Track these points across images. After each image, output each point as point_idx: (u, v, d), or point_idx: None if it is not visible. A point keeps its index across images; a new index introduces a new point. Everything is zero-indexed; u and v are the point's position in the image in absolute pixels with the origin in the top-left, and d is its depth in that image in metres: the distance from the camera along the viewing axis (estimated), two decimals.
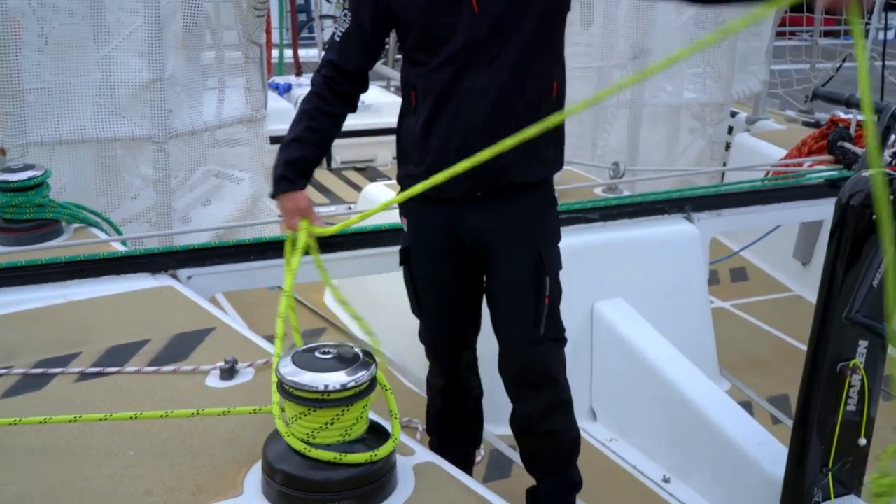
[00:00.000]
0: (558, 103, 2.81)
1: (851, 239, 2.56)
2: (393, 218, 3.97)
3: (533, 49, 2.69)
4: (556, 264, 2.88)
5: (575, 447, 3.09)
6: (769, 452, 3.15)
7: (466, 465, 3.26)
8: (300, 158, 2.83)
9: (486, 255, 2.85)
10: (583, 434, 3.20)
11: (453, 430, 3.26)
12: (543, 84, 2.75)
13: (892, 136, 4.73)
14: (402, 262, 3.00)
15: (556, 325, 2.90)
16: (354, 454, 1.92)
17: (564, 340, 2.95)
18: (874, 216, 2.53)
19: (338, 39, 2.80)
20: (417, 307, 3.02)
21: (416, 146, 2.79)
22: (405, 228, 2.97)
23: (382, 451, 1.94)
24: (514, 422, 3.07)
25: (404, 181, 2.87)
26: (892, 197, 2.48)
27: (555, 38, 2.76)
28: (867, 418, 2.76)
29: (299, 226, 2.83)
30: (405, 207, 2.94)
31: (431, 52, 2.68)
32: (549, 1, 2.69)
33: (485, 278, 2.94)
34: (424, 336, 3.11)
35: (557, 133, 2.84)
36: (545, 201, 2.91)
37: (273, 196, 2.88)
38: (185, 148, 4.73)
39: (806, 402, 2.76)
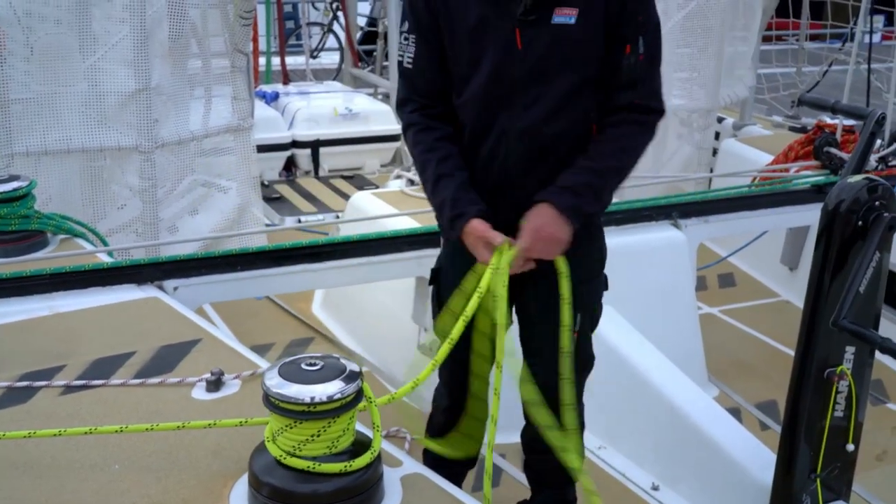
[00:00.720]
0: (588, 132, 2.69)
1: (838, 245, 2.56)
2: (380, 227, 3.99)
3: (573, 92, 2.57)
4: (593, 298, 2.83)
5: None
6: (758, 459, 3.15)
7: (459, 479, 3.25)
8: (457, 189, 2.56)
9: (521, 284, 2.72)
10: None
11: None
12: (583, 127, 2.62)
13: (878, 142, 4.75)
14: (431, 282, 2.92)
15: (584, 357, 2.85)
16: (329, 464, 1.91)
17: (590, 368, 2.92)
18: (860, 222, 2.53)
19: (409, 66, 2.64)
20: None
21: None
22: (441, 249, 2.92)
23: (358, 463, 1.93)
24: (526, 437, 3.05)
25: None
26: (875, 203, 2.49)
27: (593, 76, 2.60)
28: (855, 424, 2.76)
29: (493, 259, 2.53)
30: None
31: (468, 84, 2.60)
32: (589, 42, 2.54)
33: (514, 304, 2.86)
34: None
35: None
36: (586, 235, 2.74)
37: (461, 227, 2.55)
38: (171, 157, 4.72)
39: (794, 408, 2.76)
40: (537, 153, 2.60)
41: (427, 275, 2.98)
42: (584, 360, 2.87)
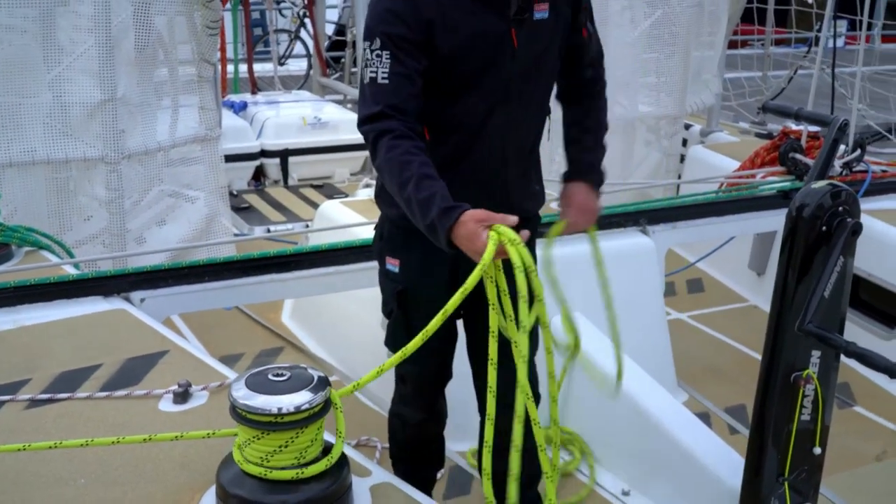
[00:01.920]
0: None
1: (803, 250, 2.58)
2: (349, 236, 3.97)
3: (549, 83, 2.78)
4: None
5: (540, 466, 3.10)
6: (726, 463, 3.17)
7: (428, 487, 3.24)
8: (440, 189, 2.42)
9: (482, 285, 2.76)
10: None
11: (422, 456, 3.23)
12: (545, 115, 2.82)
13: (842, 148, 4.80)
14: (398, 306, 2.83)
15: (536, 345, 2.89)
16: (280, 471, 1.91)
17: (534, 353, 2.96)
18: (825, 227, 2.56)
19: (384, 82, 2.50)
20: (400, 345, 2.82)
21: None
22: (395, 269, 2.80)
23: (310, 471, 1.92)
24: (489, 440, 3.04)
25: (405, 220, 2.56)
26: (839, 208, 2.51)
27: (555, 74, 2.81)
28: (821, 427, 2.77)
29: (493, 232, 2.33)
30: (402, 249, 2.78)
31: (466, 86, 2.61)
32: (561, 37, 2.72)
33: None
34: (412, 375, 2.97)
35: (539, 169, 2.90)
36: (536, 228, 2.98)
37: (447, 240, 2.39)
38: (138, 168, 4.69)
39: (761, 412, 2.77)
40: (519, 148, 2.72)
41: None
42: (537, 346, 2.90)
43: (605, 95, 2.94)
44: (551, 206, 4.38)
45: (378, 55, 2.51)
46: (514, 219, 2.31)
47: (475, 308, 2.81)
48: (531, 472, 3.09)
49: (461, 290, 2.23)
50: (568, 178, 2.87)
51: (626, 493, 3.52)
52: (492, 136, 2.66)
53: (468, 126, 2.64)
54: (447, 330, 2.89)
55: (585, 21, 2.78)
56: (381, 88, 2.51)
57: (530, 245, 2.83)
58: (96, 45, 4.34)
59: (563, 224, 2.83)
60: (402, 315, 2.83)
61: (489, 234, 2.28)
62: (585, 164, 2.87)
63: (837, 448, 3.47)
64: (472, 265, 2.47)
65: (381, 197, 2.82)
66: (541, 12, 2.61)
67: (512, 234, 2.27)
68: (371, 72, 2.52)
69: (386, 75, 2.51)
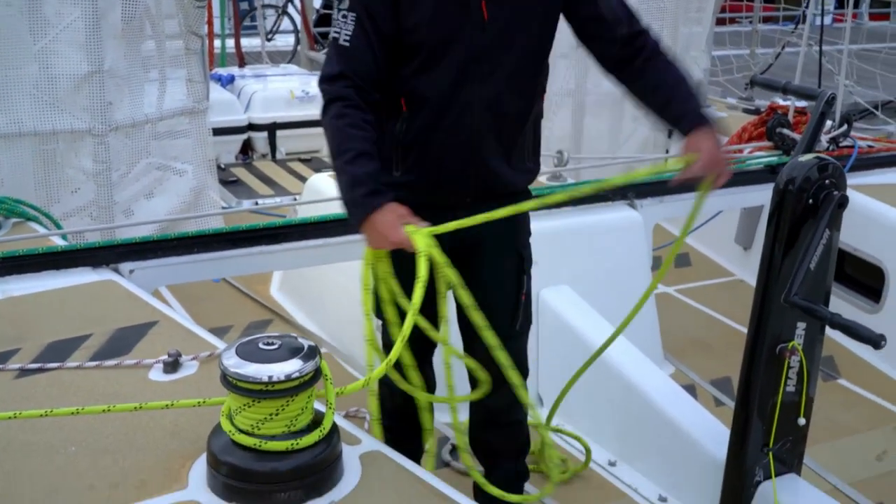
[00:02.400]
0: (540, 115, 2.85)
1: (789, 223, 2.60)
2: (337, 209, 3.97)
3: (529, 58, 2.69)
4: (530, 261, 2.95)
5: (528, 438, 3.14)
6: (712, 434, 3.20)
7: (417, 456, 3.26)
8: (377, 170, 2.53)
9: (468, 256, 2.81)
10: (530, 419, 3.22)
11: (410, 425, 3.25)
12: (534, 91, 2.76)
13: (829, 122, 4.82)
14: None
15: (528, 318, 2.98)
16: (276, 442, 1.92)
17: (529, 329, 3.02)
18: (811, 200, 2.57)
19: (346, 43, 2.55)
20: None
21: (405, 153, 2.69)
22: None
23: (305, 441, 1.94)
24: (480, 413, 3.07)
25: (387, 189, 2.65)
26: (826, 181, 2.53)
27: (546, 47, 2.74)
28: (806, 398, 2.81)
29: (409, 232, 2.51)
30: None
31: (433, 57, 2.60)
32: (547, 12, 2.68)
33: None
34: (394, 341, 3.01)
35: (537, 143, 2.87)
36: (525, 200, 2.90)
37: (363, 218, 2.51)
38: (126, 140, 4.68)
39: (747, 383, 2.80)
40: (499, 122, 2.67)
41: None
42: (530, 320, 3.00)
43: (665, 51, 2.78)
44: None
45: (345, 17, 2.57)
46: (427, 230, 2.50)
47: (465, 275, 2.83)
48: (519, 444, 3.13)
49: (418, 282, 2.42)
50: (685, 131, 2.72)
51: (612, 464, 3.55)
52: (465, 110, 2.63)
53: (439, 98, 2.63)
54: (431, 297, 2.88)
55: None
56: (342, 51, 2.57)
57: (516, 217, 2.84)
58: (83, 17, 4.31)
59: (709, 182, 2.77)
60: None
61: (407, 231, 2.47)
62: (693, 113, 2.72)
63: (822, 419, 3.51)
64: (456, 235, 2.65)
65: None
66: None
67: (424, 241, 2.48)
68: (336, 31, 2.59)
69: (348, 38, 2.56)
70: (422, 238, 2.49)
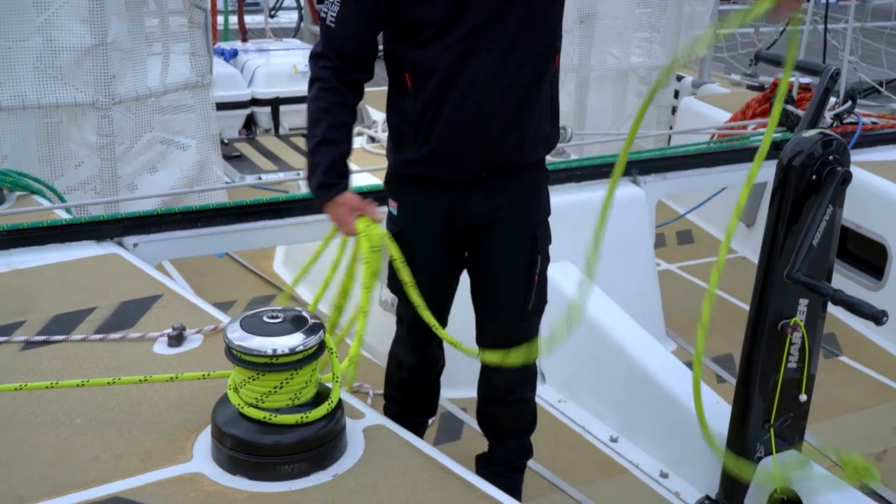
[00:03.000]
0: (557, 76, 2.79)
1: (792, 199, 2.60)
2: None
3: (537, 23, 2.64)
4: (547, 240, 2.91)
5: (535, 417, 3.15)
6: (714, 410, 3.19)
7: (419, 431, 3.29)
8: (335, 159, 2.64)
9: (481, 233, 2.81)
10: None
11: (414, 401, 3.27)
12: (547, 57, 2.70)
13: (833, 99, 4.80)
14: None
15: (542, 298, 2.93)
16: (286, 415, 1.93)
17: (543, 310, 2.98)
18: (815, 176, 2.58)
19: (332, 24, 2.59)
20: (400, 288, 2.81)
21: (416, 130, 2.68)
22: (394, 211, 2.85)
23: (315, 413, 1.95)
24: (487, 391, 3.08)
25: (402, 167, 2.77)
26: (829, 157, 2.53)
27: (557, 9, 2.71)
28: (807, 375, 2.82)
29: (360, 225, 2.64)
30: (399, 191, 2.84)
31: (438, 30, 2.57)
32: None
33: (467, 254, 2.90)
34: (406, 316, 3.00)
35: (555, 108, 2.82)
36: (542, 177, 2.90)
37: (321, 204, 2.72)
38: (129, 114, 4.67)
39: (749, 360, 2.81)
40: (510, 90, 2.62)
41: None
42: (545, 300, 2.96)
43: None
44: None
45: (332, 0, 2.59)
46: (381, 214, 2.65)
47: (479, 252, 2.84)
48: (525, 422, 3.14)
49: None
50: None
51: (614, 440, 3.57)
52: (472, 81, 2.59)
53: (445, 71, 2.59)
54: (441, 280, 2.91)
55: None
56: (328, 31, 2.62)
57: (533, 191, 2.85)
58: None
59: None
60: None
61: (357, 226, 2.62)
62: None
63: (823, 396, 3.52)
64: (471, 208, 2.74)
65: (387, 142, 2.86)
66: None
67: (375, 236, 2.61)
68: (324, 11, 2.63)
69: (334, 19, 2.59)
70: (369, 237, 2.62)
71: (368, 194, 3.69)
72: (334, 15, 2.58)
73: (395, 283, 2.81)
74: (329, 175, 2.63)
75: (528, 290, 2.86)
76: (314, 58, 2.66)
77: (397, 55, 2.65)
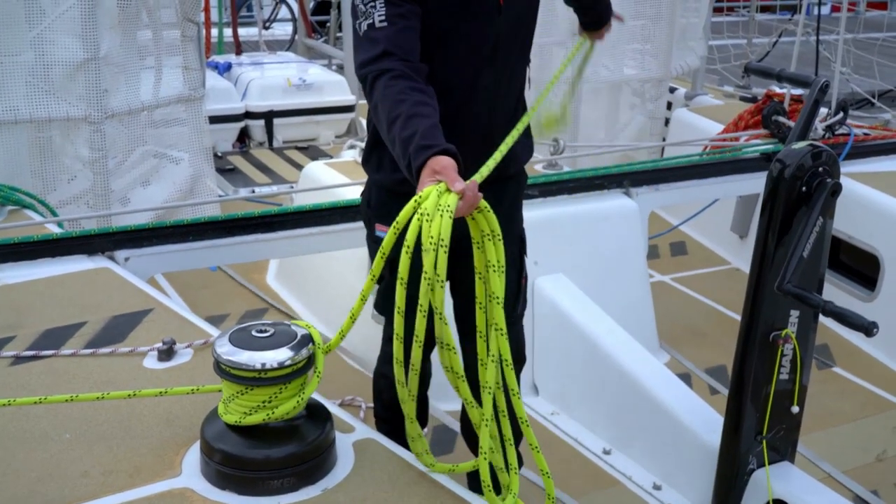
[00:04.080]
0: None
1: (782, 211, 2.60)
2: (334, 197, 3.98)
3: (530, 38, 2.81)
4: (525, 245, 2.99)
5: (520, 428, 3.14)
6: (706, 422, 3.21)
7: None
8: (429, 127, 2.27)
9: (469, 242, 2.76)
10: (525, 408, 3.22)
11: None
12: (525, 67, 2.84)
13: (824, 110, 4.82)
14: (390, 274, 2.59)
15: (525, 302, 3.00)
16: (254, 415, 1.92)
17: (524, 314, 3.04)
18: (805, 188, 2.58)
19: (384, 24, 2.42)
20: (390, 309, 2.57)
21: None
22: (383, 235, 2.60)
23: (280, 411, 1.93)
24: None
25: (398, 185, 2.53)
26: (819, 168, 2.53)
27: (535, 20, 2.84)
28: (799, 386, 2.81)
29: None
30: (391, 215, 2.61)
31: (451, 45, 2.59)
32: None
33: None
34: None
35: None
36: (524, 183, 3.01)
37: (419, 169, 2.18)
38: (122, 128, 4.67)
39: (740, 371, 2.81)
40: (508, 103, 2.73)
41: None
42: (526, 303, 3.02)
43: None
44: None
45: (372, 5, 2.45)
46: (471, 194, 2.09)
47: (458, 274, 2.82)
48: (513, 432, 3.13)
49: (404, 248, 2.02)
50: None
51: (607, 452, 3.56)
52: (482, 94, 2.67)
53: (459, 85, 2.63)
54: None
55: None
56: (379, 31, 2.42)
57: (517, 197, 2.91)
58: (78, 4, 4.29)
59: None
60: (393, 282, 2.80)
61: (420, 196, 2.05)
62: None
63: (815, 408, 3.52)
64: (460, 222, 2.46)
65: (369, 162, 2.80)
66: None
67: (432, 207, 2.00)
68: (367, 21, 2.45)
69: (383, 17, 2.42)
70: (431, 202, 2.02)
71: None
72: (382, 15, 2.43)
73: (386, 306, 2.83)
74: (425, 137, 2.23)
75: (518, 294, 2.90)
76: (370, 62, 2.41)
77: None
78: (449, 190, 2.04)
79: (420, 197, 2.01)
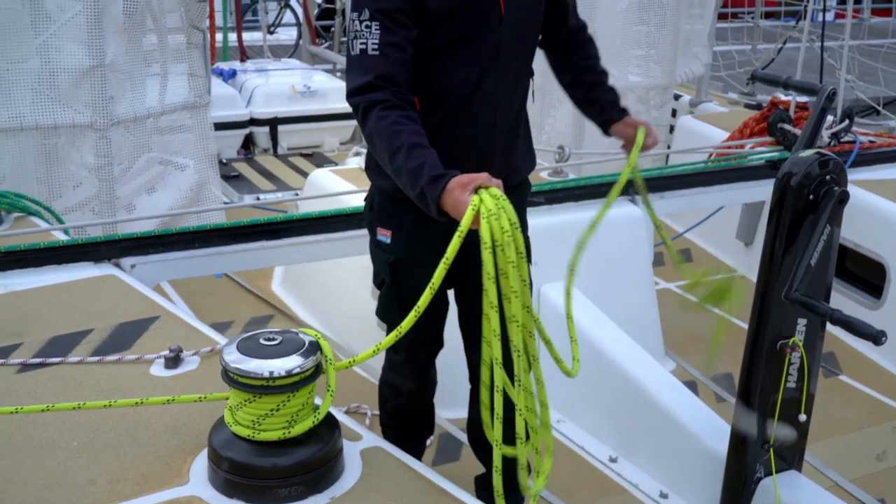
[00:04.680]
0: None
1: (790, 219, 2.60)
2: (339, 204, 3.98)
3: (534, 48, 2.81)
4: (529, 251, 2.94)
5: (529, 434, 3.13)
6: (713, 430, 3.20)
7: (418, 453, 3.27)
8: (433, 157, 2.37)
9: (473, 253, 2.73)
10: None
11: (413, 424, 3.25)
12: (529, 80, 2.83)
13: (830, 118, 4.81)
14: (391, 277, 2.79)
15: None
16: (268, 431, 1.92)
17: None
18: (812, 196, 2.58)
19: (375, 52, 2.46)
20: (401, 317, 2.56)
21: None
22: (387, 240, 2.77)
23: (298, 429, 1.94)
24: (473, 411, 3.07)
25: (400, 192, 2.49)
26: (826, 177, 2.53)
27: (539, 29, 2.84)
28: (807, 395, 2.81)
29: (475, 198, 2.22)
30: (393, 219, 2.75)
31: (454, 54, 2.59)
32: (545, 5, 2.78)
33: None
34: (403, 345, 2.82)
35: (528, 130, 2.93)
36: (527, 191, 3.03)
37: (438, 209, 2.31)
38: (127, 135, 4.68)
39: (748, 379, 2.80)
40: (511, 113, 2.72)
41: None
42: None
43: (589, 34, 3.06)
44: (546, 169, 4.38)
45: (367, 26, 2.48)
46: (497, 181, 2.23)
47: (464, 281, 2.82)
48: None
49: (443, 261, 2.16)
50: (615, 118, 3.05)
51: (613, 460, 3.56)
52: (482, 104, 2.65)
53: (459, 94, 2.63)
54: (439, 301, 2.89)
55: None
56: (371, 59, 2.47)
57: (523, 205, 2.92)
58: (84, 11, 4.31)
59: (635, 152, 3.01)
60: (394, 286, 2.81)
61: (471, 199, 2.18)
62: (617, 103, 3.05)
63: (823, 416, 3.52)
64: (473, 236, 2.48)
65: (371, 168, 2.80)
66: None
67: (492, 200, 2.16)
68: (360, 43, 2.48)
69: (376, 46, 2.47)
70: (488, 199, 2.18)
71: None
72: (376, 42, 2.47)
73: (386, 311, 2.82)
74: (435, 168, 2.33)
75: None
76: (360, 91, 2.48)
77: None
78: (488, 187, 2.20)
79: (476, 203, 2.17)
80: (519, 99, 2.78)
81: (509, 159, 2.76)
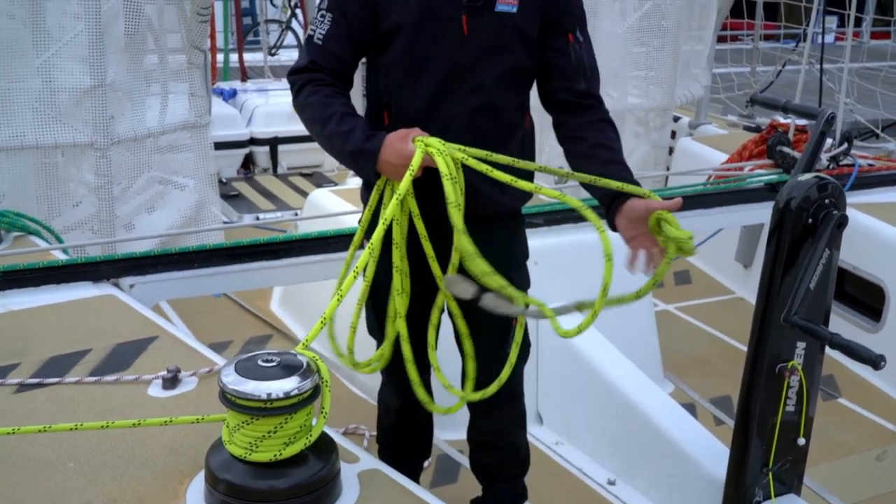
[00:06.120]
0: (530, 135, 2.80)
1: (789, 242, 2.60)
2: (338, 225, 3.98)
3: (512, 76, 2.64)
4: (525, 283, 2.88)
5: (527, 458, 3.13)
6: (711, 453, 3.19)
7: (415, 474, 3.26)
8: (362, 122, 2.55)
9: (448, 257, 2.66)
10: (529, 438, 3.22)
11: (408, 444, 3.24)
12: (518, 116, 2.72)
13: (829, 141, 4.82)
14: (370, 297, 2.76)
15: (526, 343, 2.90)
16: (260, 452, 1.91)
17: (528, 355, 2.95)
18: (811, 220, 2.58)
19: (318, 42, 2.59)
20: (381, 334, 2.79)
21: None
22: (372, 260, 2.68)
23: (290, 450, 1.93)
24: (475, 435, 3.07)
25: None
26: (825, 201, 2.53)
27: (529, 68, 2.68)
28: (805, 418, 2.80)
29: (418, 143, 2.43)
30: (367, 234, 2.69)
31: (413, 69, 2.58)
32: (530, 35, 2.63)
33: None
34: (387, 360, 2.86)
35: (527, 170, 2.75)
36: (514, 227, 2.89)
37: (374, 161, 2.46)
38: (127, 154, 4.69)
39: (746, 403, 2.79)
40: (481, 141, 2.54)
41: None
42: (526, 347, 2.93)
43: (614, 131, 2.78)
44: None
45: (323, 15, 2.61)
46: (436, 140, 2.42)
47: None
48: (517, 465, 3.12)
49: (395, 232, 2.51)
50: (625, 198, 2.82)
51: (611, 483, 3.55)
52: (444, 126, 2.55)
53: (419, 113, 2.59)
54: (420, 315, 2.78)
55: (574, 28, 2.68)
56: (315, 48, 2.60)
57: (504, 238, 2.82)
58: (86, 31, 4.33)
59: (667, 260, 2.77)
60: (371, 300, 2.80)
61: (416, 145, 2.41)
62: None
63: (822, 439, 3.51)
64: (438, 245, 2.58)
65: (362, 186, 2.82)
66: (506, 5, 2.56)
67: (437, 143, 2.40)
68: (312, 29, 2.64)
69: (322, 37, 2.60)
70: (434, 141, 2.42)
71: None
72: (323, 33, 2.60)
73: (369, 326, 2.87)
74: (367, 130, 2.50)
75: (504, 336, 2.82)
76: (298, 70, 2.62)
77: (377, 90, 2.67)
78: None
79: (421, 146, 2.41)
80: (499, 131, 2.65)
81: (477, 187, 2.56)
